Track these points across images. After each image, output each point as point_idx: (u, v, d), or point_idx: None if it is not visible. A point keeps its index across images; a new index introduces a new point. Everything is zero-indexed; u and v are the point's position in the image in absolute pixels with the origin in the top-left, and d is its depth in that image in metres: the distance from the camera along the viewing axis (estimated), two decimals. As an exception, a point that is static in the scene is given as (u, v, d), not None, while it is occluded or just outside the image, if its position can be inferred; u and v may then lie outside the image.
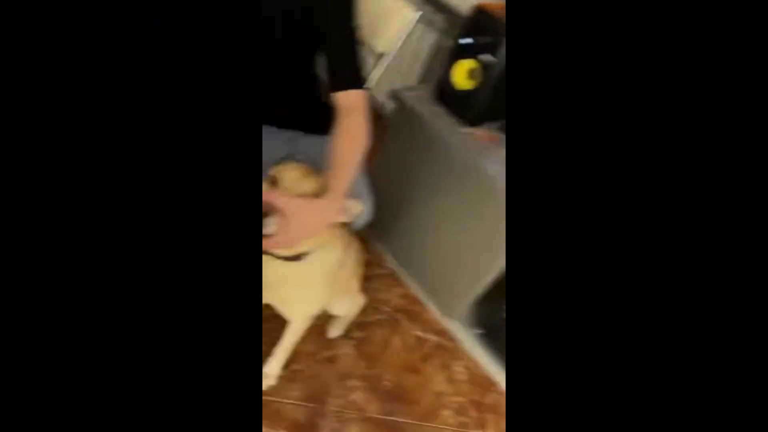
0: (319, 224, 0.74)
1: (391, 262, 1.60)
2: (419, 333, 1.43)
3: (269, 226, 0.69)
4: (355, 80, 0.89)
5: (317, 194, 0.75)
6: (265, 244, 0.69)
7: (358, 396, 1.22)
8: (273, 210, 0.68)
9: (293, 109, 1.08)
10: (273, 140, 1.05)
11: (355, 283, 1.24)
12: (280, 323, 1.09)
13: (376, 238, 1.62)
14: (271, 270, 0.85)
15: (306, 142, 1.11)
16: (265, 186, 0.69)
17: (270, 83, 1.06)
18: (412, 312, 1.48)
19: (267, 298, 0.97)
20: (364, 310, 1.41)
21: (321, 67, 1.13)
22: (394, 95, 1.30)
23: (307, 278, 0.89)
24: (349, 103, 0.87)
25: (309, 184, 0.75)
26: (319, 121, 1.13)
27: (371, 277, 1.53)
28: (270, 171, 0.78)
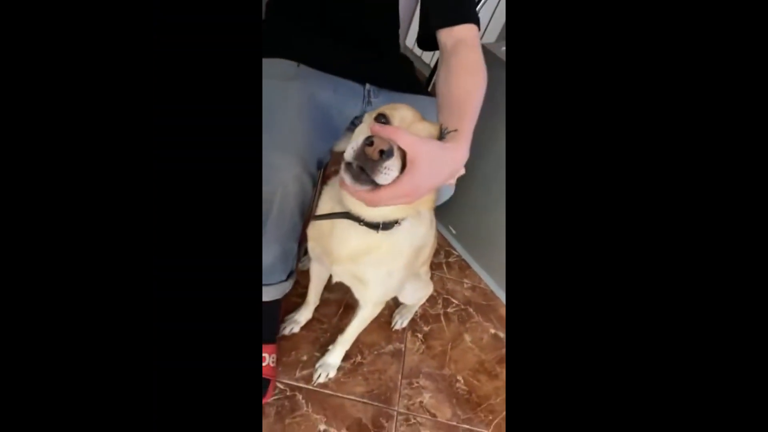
0: (449, 173, 0.57)
1: (459, 249, 1.43)
2: (494, 331, 1.25)
3: (390, 170, 0.52)
4: (470, 13, 0.73)
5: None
6: (382, 194, 0.53)
7: (427, 398, 1.06)
8: (391, 151, 0.51)
9: (372, 56, 0.93)
10: (347, 95, 0.91)
11: (426, 268, 1.08)
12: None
13: (441, 222, 1.45)
14: (354, 240, 0.71)
15: (382, 100, 0.96)
16: (374, 124, 0.53)
17: (351, 27, 0.93)
18: (486, 307, 1.30)
19: (339, 274, 0.82)
20: (430, 301, 1.25)
21: (406, 6, 0.97)
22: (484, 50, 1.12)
23: (393, 252, 0.73)
24: (462, 37, 0.71)
25: (426, 128, 0.59)
26: (397, 73, 0.98)
27: (437, 265, 1.37)
28: (374, 112, 0.62)
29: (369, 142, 0.51)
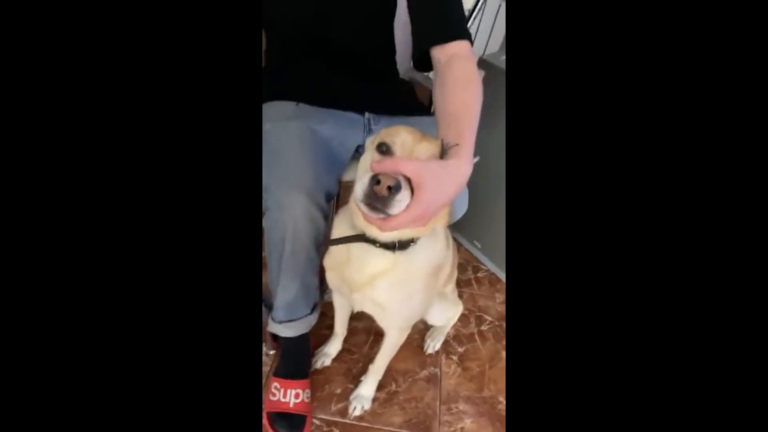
0: (456, 188, 0.57)
1: (487, 263, 1.38)
2: (533, 345, 1.19)
3: (401, 201, 0.51)
4: (462, 30, 0.73)
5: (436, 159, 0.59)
6: (395, 221, 0.53)
7: (469, 423, 1.01)
8: (398, 185, 0.50)
9: (369, 85, 0.94)
10: (348, 127, 0.92)
11: (452, 287, 1.05)
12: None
13: (466, 237, 1.42)
14: (371, 264, 0.70)
15: (382, 126, 0.96)
16: (376, 156, 0.53)
17: (347, 60, 0.95)
18: (521, 320, 1.25)
19: (359, 303, 0.81)
20: (462, 320, 1.21)
21: (399, 29, 0.98)
22: (484, 62, 1.11)
23: (411, 273, 0.72)
24: (456, 52, 0.71)
25: (427, 148, 0.60)
26: (396, 98, 0.99)
27: (465, 282, 1.33)
28: (376, 138, 0.62)
29: (376, 181, 0.51)
